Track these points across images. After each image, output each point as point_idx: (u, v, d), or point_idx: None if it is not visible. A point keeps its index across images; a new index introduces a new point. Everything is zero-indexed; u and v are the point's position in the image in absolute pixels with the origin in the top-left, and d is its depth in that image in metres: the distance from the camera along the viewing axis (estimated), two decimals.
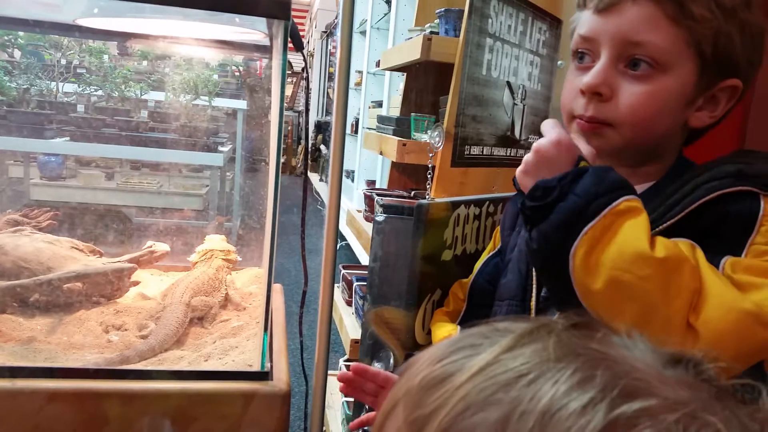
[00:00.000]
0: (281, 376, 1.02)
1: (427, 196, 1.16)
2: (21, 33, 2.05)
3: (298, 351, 1.27)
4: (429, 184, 1.19)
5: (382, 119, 2.18)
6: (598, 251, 0.64)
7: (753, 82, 0.78)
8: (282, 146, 1.04)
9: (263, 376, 1.00)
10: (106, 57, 2.23)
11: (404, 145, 1.80)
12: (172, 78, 2.14)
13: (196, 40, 1.42)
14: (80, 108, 2.51)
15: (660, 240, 0.65)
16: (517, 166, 0.78)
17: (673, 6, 0.70)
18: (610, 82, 0.73)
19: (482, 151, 1.27)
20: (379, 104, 3.51)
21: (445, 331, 1.01)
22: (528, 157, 0.74)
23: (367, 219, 2.33)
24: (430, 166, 1.19)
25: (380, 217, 1.19)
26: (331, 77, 7.81)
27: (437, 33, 1.80)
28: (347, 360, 1.98)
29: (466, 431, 0.32)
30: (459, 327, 1.00)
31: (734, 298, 0.62)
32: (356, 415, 1.54)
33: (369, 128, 2.86)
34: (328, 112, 7.94)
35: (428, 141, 1.21)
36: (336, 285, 1.62)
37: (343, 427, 1.85)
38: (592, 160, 0.72)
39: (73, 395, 0.92)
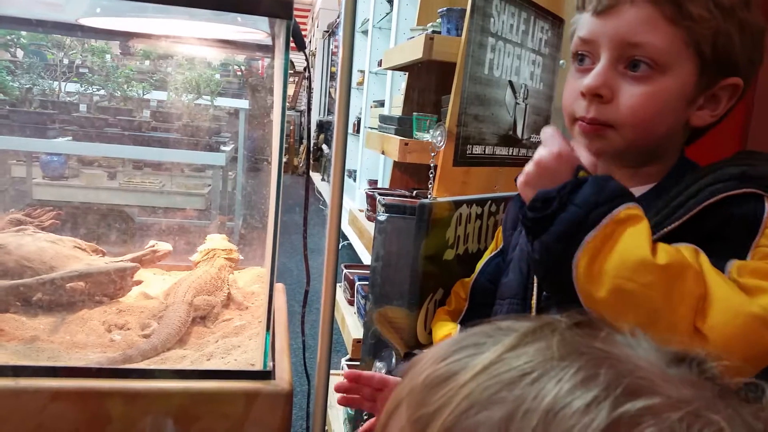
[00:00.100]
0: (283, 376, 1.02)
1: (429, 196, 1.16)
2: (24, 32, 2.05)
3: (300, 350, 1.27)
4: (431, 184, 1.19)
5: (384, 119, 2.18)
6: (600, 260, 0.64)
7: (754, 80, 0.78)
8: (284, 146, 1.04)
9: (265, 375, 1.01)
10: (108, 56, 2.23)
11: (406, 144, 1.80)
12: (174, 77, 2.14)
13: (198, 39, 1.42)
14: (82, 108, 2.51)
15: (662, 247, 0.65)
16: (519, 166, 0.78)
17: (671, 7, 0.70)
18: (610, 83, 0.74)
19: (484, 151, 1.27)
20: (381, 104, 3.51)
21: (445, 330, 1.01)
22: (529, 168, 0.73)
23: (369, 218, 2.33)
24: (432, 165, 1.19)
25: (382, 217, 1.19)
26: (333, 77, 7.81)
27: (439, 32, 1.80)
28: (349, 359, 1.98)
29: (470, 430, 0.32)
30: (459, 326, 1.01)
31: (741, 302, 0.62)
32: (358, 415, 1.54)
33: (371, 128, 2.86)
34: (330, 112, 7.95)
35: (430, 140, 1.21)
36: (338, 284, 1.62)
37: (344, 426, 1.85)
38: (593, 169, 0.72)
39: (76, 394, 0.92)
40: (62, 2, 1.29)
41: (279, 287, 1.44)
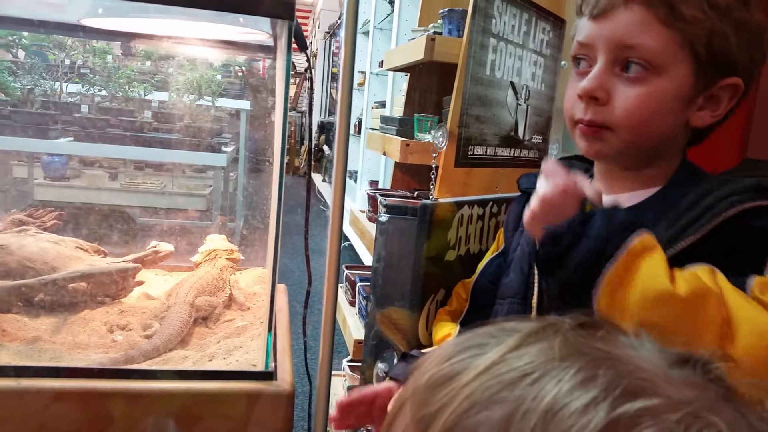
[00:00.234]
0: (285, 376, 1.02)
1: (430, 197, 1.17)
2: (25, 33, 2.06)
3: (302, 351, 1.27)
4: (432, 185, 1.19)
5: (385, 120, 2.18)
6: (621, 295, 0.63)
7: (757, 79, 0.78)
8: (285, 146, 1.04)
9: (267, 376, 1.01)
10: (109, 57, 2.23)
11: (407, 145, 1.81)
12: (176, 78, 2.15)
13: (199, 40, 1.42)
14: (84, 108, 2.51)
15: (680, 275, 0.64)
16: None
17: (665, 9, 0.70)
18: (605, 86, 0.74)
19: (486, 152, 1.27)
20: (382, 105, 3.52)
21: (445, 330, 1.01)
22: (534, 205, 0.72)
23: (370, 219, 2.33)
24: (433, 166, 1.19)
25: (384, 218, 1.19)
26: (334, 78, 7.82)
27: (440, 33, 1.80)
28: (350, 360, 1.98)
29: (471, 429, 0.32)
30: (460, 326, 1.01)
31: (766, 321, 0.61)
32: None
33: (372, 129, 2.87)
34: (331, 113, 7.96)
35: (431, 141, 1.21)
36: (339, 285, 1.63)
37: None
38: (598, 200, 0.72)
39: (78, 395, 0.92)
40: (64, 3, 1.30)
41: (280, 288, 1.44)
